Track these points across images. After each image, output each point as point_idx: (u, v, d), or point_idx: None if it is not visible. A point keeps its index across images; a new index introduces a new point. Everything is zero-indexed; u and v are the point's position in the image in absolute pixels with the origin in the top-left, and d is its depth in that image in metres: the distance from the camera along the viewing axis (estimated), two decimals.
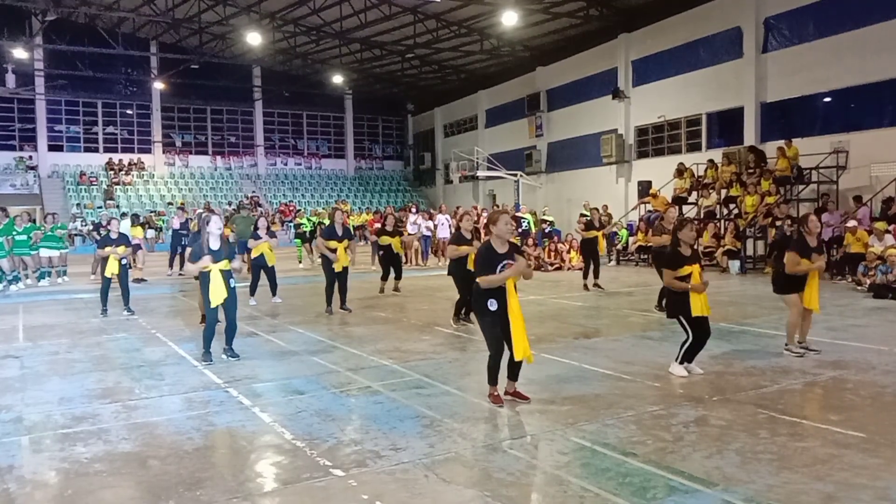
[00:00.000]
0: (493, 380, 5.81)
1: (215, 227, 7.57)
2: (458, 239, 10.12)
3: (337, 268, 11.24)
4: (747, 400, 5.80)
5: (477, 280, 5.71)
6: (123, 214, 15.91)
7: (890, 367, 6.85)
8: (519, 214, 22.03)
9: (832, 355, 7.40)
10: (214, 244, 7.55)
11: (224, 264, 7.55)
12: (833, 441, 4.77)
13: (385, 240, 13.66)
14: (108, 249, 11.18)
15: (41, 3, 27.31)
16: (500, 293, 5.61)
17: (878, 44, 17.31)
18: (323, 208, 30.08)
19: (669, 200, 19.63)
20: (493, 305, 5.60)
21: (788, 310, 7.57)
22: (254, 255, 12.48)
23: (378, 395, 6.18)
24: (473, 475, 4.35)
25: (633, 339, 8.75)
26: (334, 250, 11.24)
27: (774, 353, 7.57)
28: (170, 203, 32.39)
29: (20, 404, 6.12)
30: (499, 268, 5.61)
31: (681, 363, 6.70)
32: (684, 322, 6.63)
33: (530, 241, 20.02)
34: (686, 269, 6.63)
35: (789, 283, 7.43)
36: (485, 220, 12.17)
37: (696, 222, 7.16)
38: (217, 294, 7.47)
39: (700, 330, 6.61)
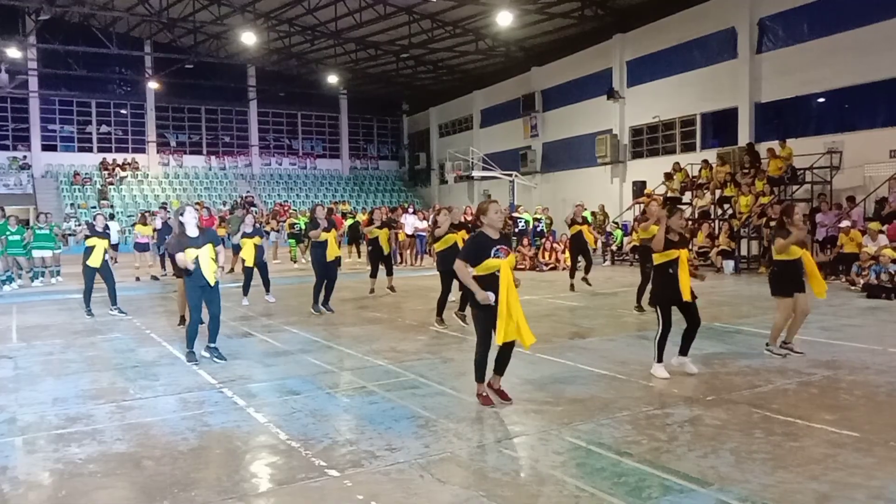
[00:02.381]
0: (480, 376, 5.78)
1: (190, 216, 7.67)
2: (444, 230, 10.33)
3: (330, 256, 11.19)
4: (742, 399, 5.82)
5: (458, 262, 5.67)
6: (112, 216, 16.02)
7: (884, 367, 6.87)
8: (516, 214, 22.05)
9: (826, 355, 7.43)
10: (192, 232, 7.62)
11: (209, 249, 7.57)
12: (827, 440, 4.79)
13: (374, 232, 13.60)
14: (92, 240, 11.19)
15: (35, 3, 27.19)
16: (496, 285, 5.55)
17: (871, 44, 17.38)
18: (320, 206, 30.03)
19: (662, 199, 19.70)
20: (489, 298, 5.55)
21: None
22: (242, 255, 12.49)
23: (373, 396, 6.17)
24: (469, 475, 4.35)
25: (628, 338, 8.76)
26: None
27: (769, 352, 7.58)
28: (163, 203, 32.37)
29: (14, 405, 6.09)
30: (493, 251, 5.59)
31: (659, 361, 6.65)
32: (660, 311, 6.65)
33: (525, 242, 20.04)
34: (673, 253, 6.64)
35: (784, 285, 7.40)
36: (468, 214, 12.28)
37: (684, 213, 7.14)
38: (209, 271, 7.50)
39: (690, 318, 6.64)
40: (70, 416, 5.74)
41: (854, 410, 5.51)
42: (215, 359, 7.69)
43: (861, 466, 4.30)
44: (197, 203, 26.20)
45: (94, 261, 11.16)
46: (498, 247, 5.64)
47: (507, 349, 5.74)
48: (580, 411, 5.57)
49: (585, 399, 5.93)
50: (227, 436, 5.18)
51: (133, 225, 21.66)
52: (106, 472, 4.48)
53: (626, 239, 21.60)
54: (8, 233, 15.82)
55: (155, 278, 17.38)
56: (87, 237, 11.46)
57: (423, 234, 21.20)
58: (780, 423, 5.17)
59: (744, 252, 18.24)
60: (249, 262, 12.46)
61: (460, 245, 10.00)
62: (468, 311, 10.04)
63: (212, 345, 7.80)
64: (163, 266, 18.87)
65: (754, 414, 5.41)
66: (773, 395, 5.96)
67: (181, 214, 7.72)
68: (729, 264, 17.29)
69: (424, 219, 22.14)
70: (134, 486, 4.25)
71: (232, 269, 16.89)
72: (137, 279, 16.90)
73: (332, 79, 36.24)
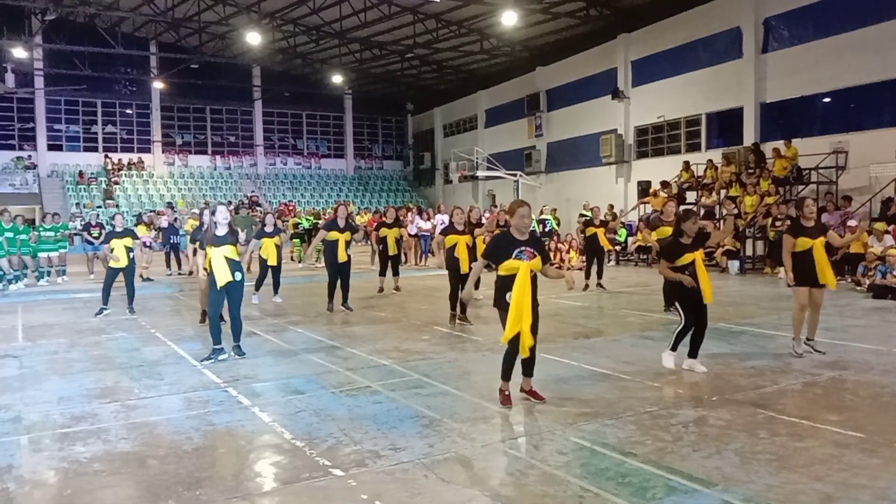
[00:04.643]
0: (506, 375, 5.72)
1: (221, 216, 7.76)
2: (447, 230, 10.31)
3: (341, 258, 11.21)
4: (746, 400, 5.81)
5: (479, 259, 5.64)
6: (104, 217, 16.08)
7: (889, 368, 6.85)
8: None
9: (831, 355, 7.40)
10: (221, 231, 7.71)
11: (229, 250, 7.65)
12: (832, 441, 4.77)
13: (384, 232, 13.68)
14: (114, 242, 11.23)
15: (41, 3, 27.28)
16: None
17: (877, 44, 17.33)
18: (324, 208, 30.10)
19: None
20: (510, 299, 5.51)
21: (790, 310, 7.55)
22: (262, 254, 12.52)
23: (377, 395, 6.17)
24: (473, 475, 4.36)
25: (633, 339, 8.74)
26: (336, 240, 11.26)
27: (773, 353, 7.57)
28: (169, 203, 32.52)
29: (19, 404, 6.11)
30: (515, 253, 5.55)
31: (673, 350, 6.79)
32: (679, 307, 6.70)
33: None
34: (687, 258, 6.64)
35: (798, 274, 7.37)
36: (477, 217, 12.27)
37: (698, 216, 7.13)
38: (221, 275, 7.55)
39: (699, 319, 6.67)
40: (75, 415, 5.75)
41: (859, 411, 5.49)
42: (237, 356, 7.80)
43: (866, 467, 4.29)
44: (204, 203, 26.27)
45: (118, 262, 11.17)
46: (521, 248, 5.58)
47: (530, 361, 5.72)
48: (584, 411, 5.56)
49: (590, 399, 5.92)
50: (231, 435, 5.19)
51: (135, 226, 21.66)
52: (111, 471, 4.49)
53: (630, 239, 21.58)
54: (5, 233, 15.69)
55: (149, 279, 17.25)
56: (108, 240, 11.48)
57: (427, 234, 21.21)
58: (784, 424, 5.16)
59: (749, 252, 18.19)
60: (273, 262, 12.49)
61: (460, 248, 9.99)
62: (471, 311, 10.15)
63: (235, 343, 7.94)
64: (168, 265, 18.93)
65: (759, 414, 5.39)
66: (778, 396, 5.95)
67: (213, 213, 7.81)
68: (734, 264, 17.25)
69: (429, 219, 22.13)
70: (139, 485, 4.26)
71: (248, 269, 16.89)
72: (142, 278, 16.90)
73: (337, 79, 36.29)
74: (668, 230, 10.79)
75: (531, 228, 5.81)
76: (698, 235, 6.90)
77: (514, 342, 5.56)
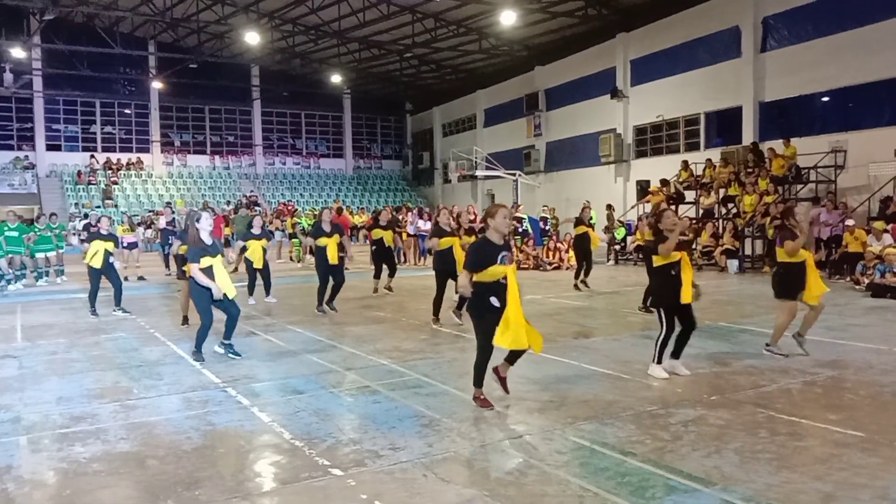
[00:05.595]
0: (479, 382, 5.73)
1: (206, 223, 7.59)
2: (438, 232, 10.25)
3: (332, 260, 11.20)
4: (746, 399, 5.80)
5: (463, 272, 5.61)
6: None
7: (888, 367, 6.85)
8: (518, 214, 22.01)
9: (831, 355, 7.40)
10: (209, 240, 7.59)
11: (220, 259, 7.62)
12: (832, 440, 4.77)
13: (377, 233, 13.64)
14: (96, 242, 11.16)
15: (39, 3, 27.24)
16: (502, 289, 5.49)
17: (876, 43, 17.34)
18: (323, 209, 30.08)
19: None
20: (496, 302, 5.48)
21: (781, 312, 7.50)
22: (248, 255, 12.49)
23: (377, 395, 6.17)
24: (472, 474, 4.35)
25: (632, 338, 8.74)
26: (324, 247, 11.21)
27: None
28: (168, 203, 32.56)
29: (18, 404, 6.10)
30: (499, 258, 5.51)
31: (658, 363, 6.62)
32: (662, 314, 6.61)
33: (530, 242, 20.02)
34: (675, 255, 6.60)
35: (789, 287, 7.34)
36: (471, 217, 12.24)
37: (676, 212, 6.99)
38: (227, 286, 7.49)
39: (684, 319, 6.61)
40: (74, 415, 5.75)
41: (859, 410, 5.49)
42: (230, 355, 7.74)
43: (866, 466, 4.29)
44: (204, 204, 26.28)
45: (95, 261, 11.11)
46: (503, 254, 5.56)
47: (520, 352, 5.70)
48: (584, 411, 5.56)
49: (589, 399, 5.92)
50: (231, 435, 5.19)
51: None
52: (110, 472, 4.48)
53: (629, 238, 21.56)
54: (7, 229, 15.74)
55: (142, 278, 17.26)
56: (90, 240, 11.44)
57: (426, 233, 21.21)
58: (784, 423, 5.16)
59: (748, 251, 18.20)
60: (258, 264, 12.44)
61: (457, 250, 9.95)
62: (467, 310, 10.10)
63: (226, 341, 7.86)
64: (167, 266, 18.90)
65: (758, 414, 5.39)
66: (778, 395, 5.95)
67: (197, 220, 7.58)
68: (733, 264, 17.25)
69: (429, 219, 22.12)
70: (138, 486, 4.26)
71: (236, 269, 16.91)
72: (126, 279, 16.86)
73: (336, 78, 36.27)
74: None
75: (524, 227, 5.82)
76: (680, 241, 6.86)
77: (488, 351, 5.57)
